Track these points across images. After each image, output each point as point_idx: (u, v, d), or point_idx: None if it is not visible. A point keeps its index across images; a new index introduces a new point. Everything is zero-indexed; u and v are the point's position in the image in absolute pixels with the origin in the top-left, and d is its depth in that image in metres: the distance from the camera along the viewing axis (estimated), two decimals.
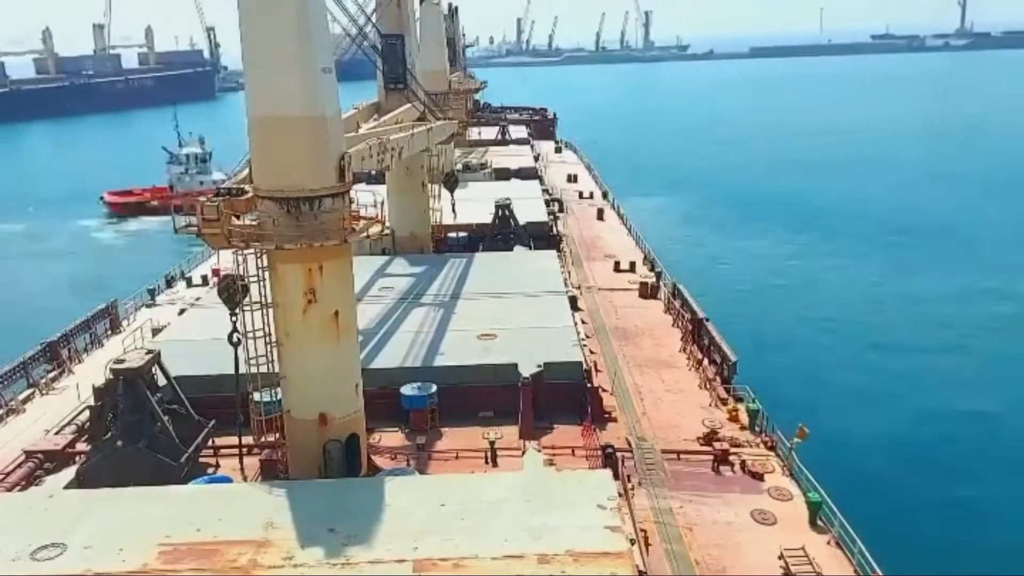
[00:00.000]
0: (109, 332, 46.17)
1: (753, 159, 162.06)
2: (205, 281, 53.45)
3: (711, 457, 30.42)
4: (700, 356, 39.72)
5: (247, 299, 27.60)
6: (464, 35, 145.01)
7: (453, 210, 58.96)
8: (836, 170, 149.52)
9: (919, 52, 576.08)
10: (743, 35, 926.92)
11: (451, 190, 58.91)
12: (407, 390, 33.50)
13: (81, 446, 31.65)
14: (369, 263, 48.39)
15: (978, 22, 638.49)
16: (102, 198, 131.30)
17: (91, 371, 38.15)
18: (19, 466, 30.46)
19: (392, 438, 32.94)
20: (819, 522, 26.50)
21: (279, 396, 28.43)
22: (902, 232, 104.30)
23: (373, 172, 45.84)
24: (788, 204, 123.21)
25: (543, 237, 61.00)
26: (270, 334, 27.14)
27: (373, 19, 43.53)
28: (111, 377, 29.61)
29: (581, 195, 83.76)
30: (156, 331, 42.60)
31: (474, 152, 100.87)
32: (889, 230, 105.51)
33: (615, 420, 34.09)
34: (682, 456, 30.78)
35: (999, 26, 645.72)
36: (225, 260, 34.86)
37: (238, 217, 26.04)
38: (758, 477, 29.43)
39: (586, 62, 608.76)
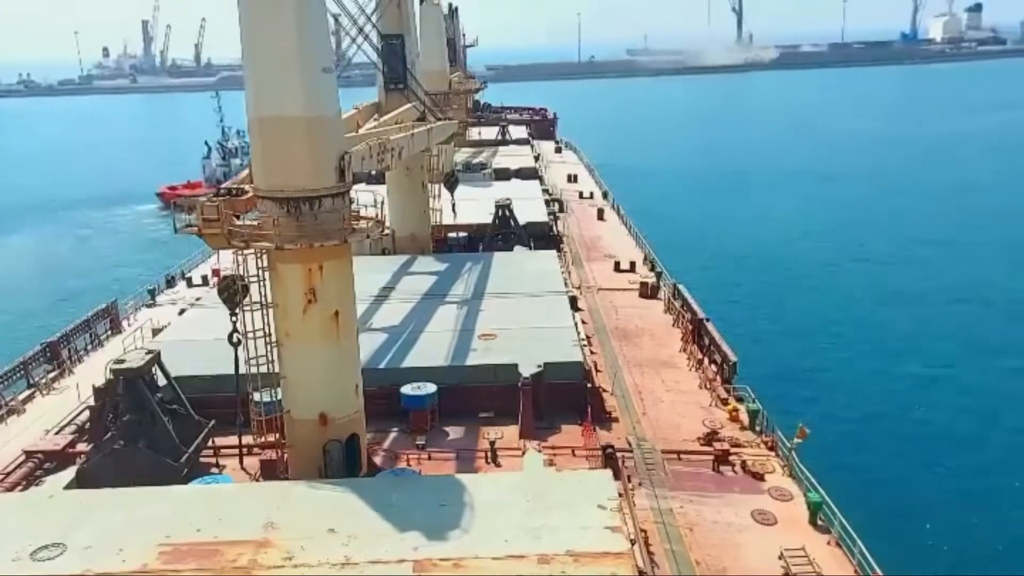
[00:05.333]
0: (109, 332, 46.16)
1: None
2: (205, 281, 53.44)
3: (711, 457, 30.37)
4: (700, 356, 39.70)
5: (247, 299, 27.61)
6: (464, 35, 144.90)
7: (453, 210, 58.98)
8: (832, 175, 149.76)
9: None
10: None
11: (451, 190, 58.91)
12: (407, 390, 33.49)
13: (81, 446, 31.64)
14: (369, 263, 48.37)
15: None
16: (158, 193, 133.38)
17: (91, 371, 38.13)
18: (19, 466, 30.46)
19: (392, 438, 32.91)
20: (819, 522, 26.49)
21: (279, 396, 28.43)
22: (904, 233, 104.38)
23: (373, 172, 45.75)
24: (788, 203, 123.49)
25: (543, 237, 61.00)
26: (270, 334, 27.14)
27: (373, 19, 43.50)
28: (111, 377, 29.62)
29: (581, 195, 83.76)
30: (156, 331, 42.63)
31: (484, 152, 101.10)
32: (890, 231, 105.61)
33: (615, 420, 34.09)
34: (682, 456, 30.75)
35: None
36: (225, 260, 34.84)
37: (238, 217, 26.06)
38: (758, 477, 29.40)
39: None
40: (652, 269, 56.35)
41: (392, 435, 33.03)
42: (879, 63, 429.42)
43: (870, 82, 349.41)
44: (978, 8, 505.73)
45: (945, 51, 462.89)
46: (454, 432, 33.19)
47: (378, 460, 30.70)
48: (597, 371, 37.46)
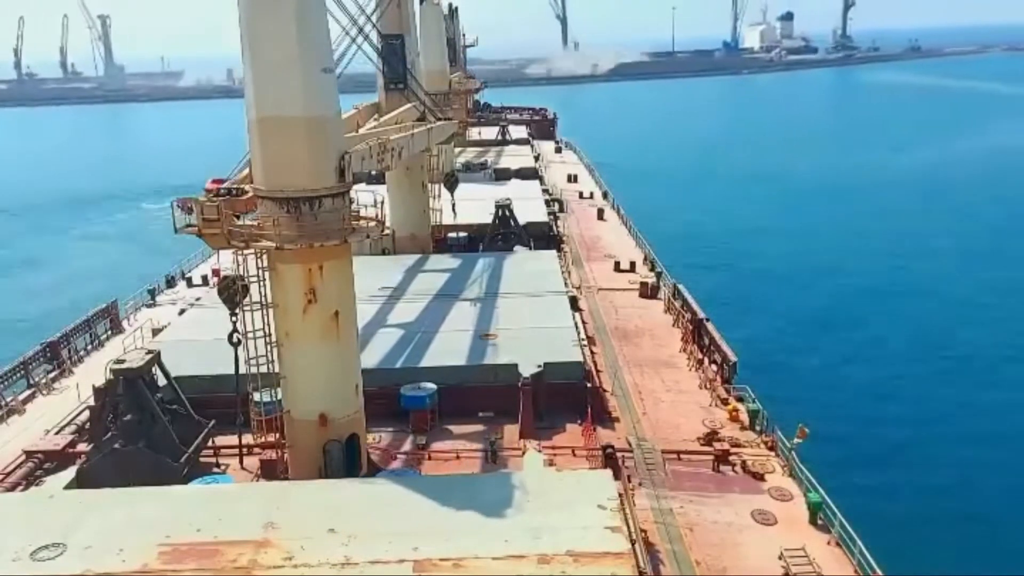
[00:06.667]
0: (109, 332, 46.14)
1: None
2: (205, 281, 53.43)
3: (711, 457, 30.38)
4: (700, 356, 39.70)
5: (247, 299, 27.61)
6: (464, 35, 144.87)
7: (453, 210, 58.96)
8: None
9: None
10: None
11: (451, 190, 58.90)
12: (407, 390, 33.49)
13: (81, 446, 31.63)
14: (369, 263, 48.35)
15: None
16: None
17: (91, 371, 38.12)
18: (19, 466, 30.47)
19: (392, 438, 32.92)
20: (819, 522, 26.49)
21: (279, 396, 28.44)
22: (904, 232, 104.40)
23: (373, 172, 45.76)
24: (788, 203, 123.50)
25: (543, 237, 61.00)
26: (270, 334, 27.16)
27: (373, 19, 43.50)
28: (111, 377, 29.62)
29: (581, 195, 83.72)
30: (156, 331, 42.62)
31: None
32: (889, 230, 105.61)
33: (615, 420, 34.09)
34: (682, 456, 30.75)
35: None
36: (225, 260, 34.85)
37: (238, 217, 26.07)
38: (758, 477, 29.41)
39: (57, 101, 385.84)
40: (652, 269, 56.34)
41: (392, 435, 33.04)
42: (705, 74, 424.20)
43: (694, 93, 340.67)
44: (790, 17, 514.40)
45: (771, 60, 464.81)
46: (454, 432, 33.19)
47: (378, 460, 30.70)
48: (597, 371, 37.46)
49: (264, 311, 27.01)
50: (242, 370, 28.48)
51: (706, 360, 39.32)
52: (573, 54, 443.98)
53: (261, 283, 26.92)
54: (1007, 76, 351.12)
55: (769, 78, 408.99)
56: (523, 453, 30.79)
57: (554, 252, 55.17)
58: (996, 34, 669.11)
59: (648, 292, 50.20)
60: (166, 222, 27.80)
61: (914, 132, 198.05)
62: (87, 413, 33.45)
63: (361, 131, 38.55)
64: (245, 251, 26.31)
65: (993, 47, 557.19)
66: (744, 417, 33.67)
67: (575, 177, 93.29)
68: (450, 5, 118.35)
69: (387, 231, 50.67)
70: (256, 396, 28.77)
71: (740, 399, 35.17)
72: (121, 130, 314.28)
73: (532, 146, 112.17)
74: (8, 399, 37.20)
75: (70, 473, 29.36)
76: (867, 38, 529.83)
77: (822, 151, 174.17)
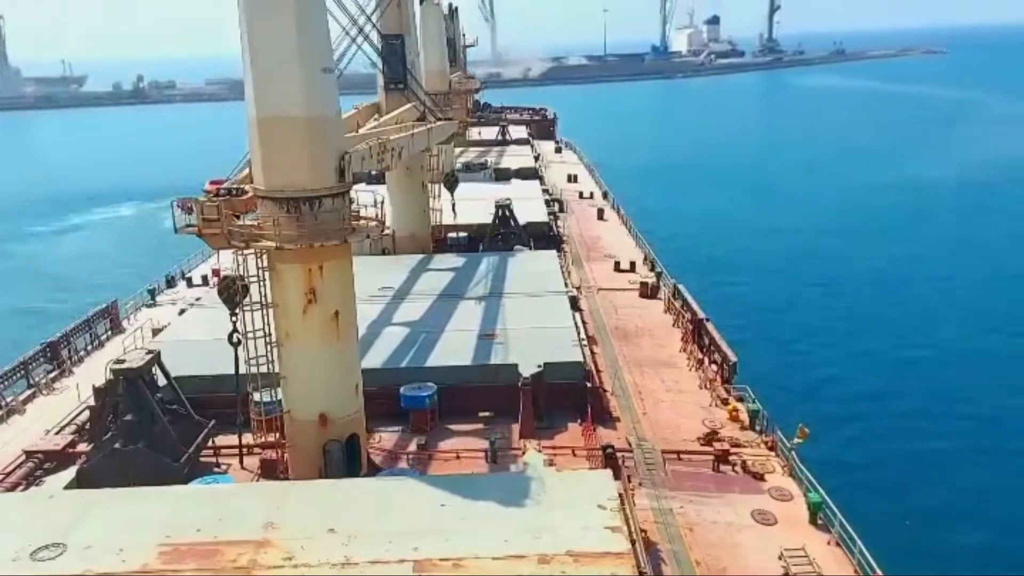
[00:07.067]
0: (109, 332, 46.14)
1: None
2: (205, 281, 53.43)
3: (711, 457, 30.39)
4: (700, 356, 39.70)
5: (247, 299, 27.60)
6: (464, 35, 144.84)
7: (453, 210, 58.95)
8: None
9: None
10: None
11: (451, 190, 58.90)
12: (407, 390, 33.49)
13: (81, 446, 31.64)
14: (369, 263, 48.32)
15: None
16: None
17: (91, 371, 38.13)
18: (19, 466, 30.48)
19: (392, 438, 32.93)
20: (819, 522, 26.49)
21: (279, 396, 28.44)
22: (904, 232, 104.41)
23: (373, 172, 45.77)
24: (787, 202, 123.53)
25: (543, 237, 61.00)
26: (270, 334, 27.16)
27: (373, 19, 43.50)
28: (111, 377, 29.61)
29: (581, 195, 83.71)
30: (156, 331, 42.62)
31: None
32: (889, 231, 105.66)
33: (615, 420, 34.09)
34: (682, 456, 30.75)
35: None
36: (225, 260, 34.84)
37: (238, 217, 26.07)
38: (758, 477, 29.41)
39: None
40: (652, 269, 56.34)
41: (392, 435, 33.04)
42: (638, 78, 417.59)
43: (626, 97, 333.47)
44: (716, 21, 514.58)
45: (703, 64, 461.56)
46: (454, 432, 33.19)
47: (378, 460, 30.71)
48: (598, 371, 37.47)
49: (264, 311, 27.01)
50: (242, 370, 28.47)
51: (706, 360, 39.33)
52: (502, 58, 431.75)
53: (261, 283, 26.92)
54: (925, 78, 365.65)
55: (702, 82, 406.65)
56: (523, 453, 30.79)
57: (554, 252, 55.18)
58: (915, 37, 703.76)
59: (648, 292, 50.21)
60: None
61: (866, 134, 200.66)
62: (87, 413, 33.46)
63: (361, 131, 38.56)
64: (245, 251, 26.31)
65: (913, 49, 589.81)
66: (744, 417, 33.67)
67: (575, 177, 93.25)
68: (450, 5, 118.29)
69: (387, 231, 50.91)
70: (256, 396, 28.76)
71: (740, 399, 35.18)
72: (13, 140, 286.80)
73: (532, 146, 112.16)
74: (8, 399, 37.20)
75: (70, 473, 29.35)
76: (792, 41, 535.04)
77: (819, 158, 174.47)
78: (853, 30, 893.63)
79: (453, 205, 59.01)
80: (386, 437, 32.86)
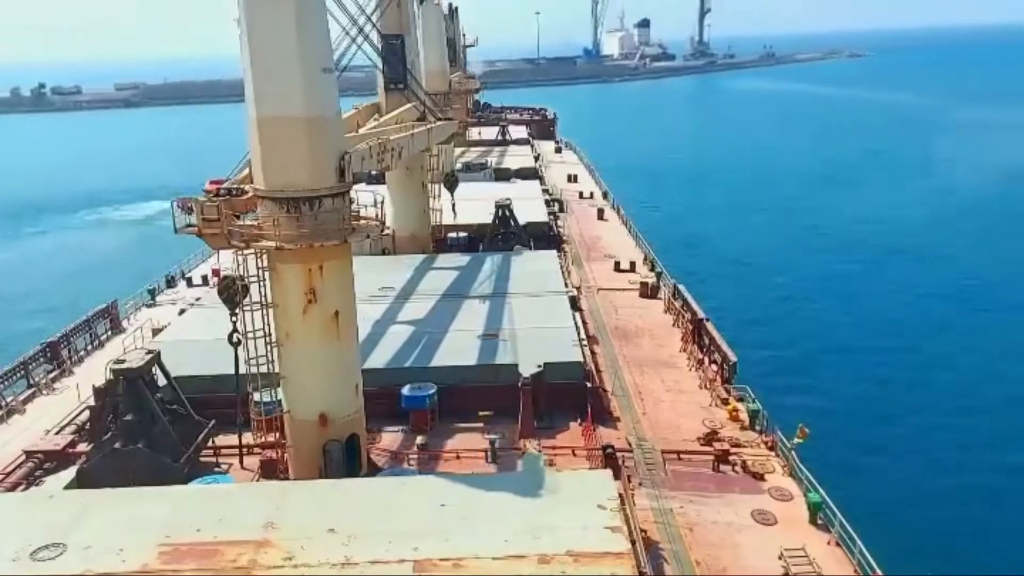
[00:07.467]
0: (109, 332, 46.15)
1: None
2: (205, 281, 53.45)
3: (711, 457, 30.39)
4: (700, 356, 39.70)
5: (247, 299, 27.60)
6: (464, 35, 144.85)
7: (453, 210, 58.95)
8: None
9: None
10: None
11: (451, 190, 58.91)
12: (407, 390, 33.49)
13: (81, 446, 31.65)
14: (369, 263, 48.33)
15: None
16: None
17: (91, 371, 38.15)
18: (19, 466, 30.49)
19: (392, 438, 32.93)
20: (819, 522, 26.49)
21: (279, 396, 28.44)
22: (904, 231, 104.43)
23: (373, 172, 45.78)
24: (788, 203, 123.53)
25: (543, 237, 60.99)
26: (270, 334, 27.15)
27: (373, 19, 43.51)
28: (111, 377, 29.63)
29: (581, 195, 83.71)
30: (156, 331, 42.63)
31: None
32: (890, 231, 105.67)
33: (615, 420, 34.09)
34: (682, 456, 30.76)
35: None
36: (225, 260, 34.87)
37: (238, 217, 26.06)
38: (758, 477, 29.41)
39: None
40: (652, 269, 56.35)
41: (392, 435, 33.04)
42: (572, 82, 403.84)
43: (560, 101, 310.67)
44: (646, 24, 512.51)
45: (637, 67, 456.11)
46: (454, 432, 33.18)
47: (378, 460, 30.71)
48: (598, 371, 37.47)
49: (264, 311, 27.01)
50: (242, 370, 28.47)
51: (706, 360, 39.33)
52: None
53: (261, 283, 26.91)
54: (851, 80, 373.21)
55: (638, 86, 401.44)
56: (523, 453, 30.78)
57: (554, 252, 55.18)
58: (841, 40, 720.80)
59: (648, 292, 50.22)
60: None
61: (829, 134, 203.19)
62: (87, 413, 33.48)
63: (361, 131, 38.56)
64: (245, 251, 26.31)
65: (839, 52, 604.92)
66: (744, 417, 33.68)
67: (575, 177, 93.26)
68: (450, 5, 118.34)
69: (387, 231, 50.90)
70: (256, 396, 28.76)
71: (740, 399, 35.18)
72: None
73: (532, 146, 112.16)
74: (8, 399, 37.22)
75: (70, 473, 29.36)
76: (722, 44, 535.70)
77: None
78: (781, 34, 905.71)
79: (453, 205, 59.01)
80: (386, 437, 32.87)
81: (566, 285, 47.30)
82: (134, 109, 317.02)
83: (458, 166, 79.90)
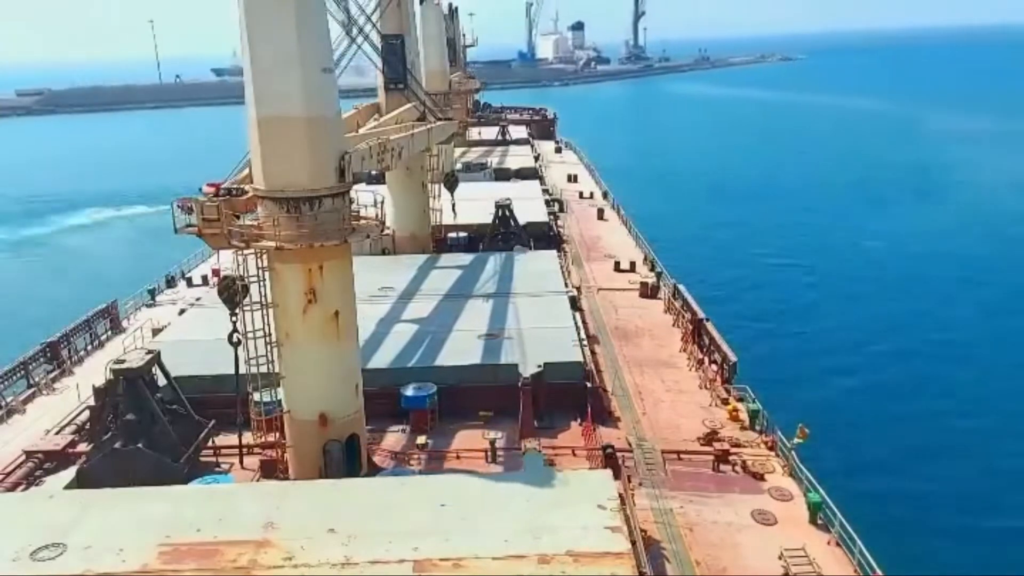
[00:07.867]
0: (109, 332, 46.15)
1: None
2: (205, 281, 53.44)
3: (711, 457, 30.39)
4: (700, 356, 39.70)
5: (247, 299, 27.61)
6: (464, 35, 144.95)
7: (453, 210, 58.96)
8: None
9: None
10: None
11: (451, 190, 58.93)
12: (407, 390, 33.50)
13: (81, 446, 31.64)
14: (369, 263, 48.32)
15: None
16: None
17: (91, 371, 38.15)
18: (19, 466, 30.48)
19: (392, 438, 32.93)
20: (819, 522, 26.49)
21: (279, 396, 28.44)
22: (904, 231, 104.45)
23: (373, 172, 45.78)
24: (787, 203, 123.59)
25: (543, 237, 60.99)
26: (270, 334, 27.15)
27: (373, 19, 43.52)
28: (111, 377, 29.62)
29: (581, 195, 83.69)
30: (156, 331, 42.62)
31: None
32: (891, 231, 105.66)
33: (616, 420, 34.09)
34: (682, 456, 30.76)
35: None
36: (225, 260, 34.87)
37: (238, 217, 26.07)
38: (758, 477, 29.41)
39: None
40: (652, 269, 56.34)
41: (393, 435, 33.04)
42: (508, 86, 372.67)
43: None
44: (580, 27, 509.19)
45: (578, 71, 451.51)
46: (455, 432, 33.18)
47: (378, 460, 30.71)
48: (598, 371, 37.46)
49: (264, 311, 27.01)
50: (242, 370, 28.47)
51: (706, 360, 39.32)
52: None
53: (261, 283, 26.92)
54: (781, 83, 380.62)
55: (578, 90, 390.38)
56: (523, 453, 30.78)
57: (554, 252, 55.17)
58: (771, 45, 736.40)
59: (648, 292, 50.22)
60: None
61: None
62: (87, 413, 33.49)
63: (361, 131, 38.58)
64: (245, 251, 26.31)
65: (770, 56, 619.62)
66: (744, 417, 33.68)
67: (575, 177, 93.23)
68: (450, 5, 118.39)
69: (387, 231, 50.89)
70: (256, 396, 28.76)
71: (740, 399, 35.18)
72: None
73: (532, 146, 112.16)
74: (8, 399, 37.22)
75: (70, 473, 29.36)
76: (657, 48, 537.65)
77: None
78: (713, 37, 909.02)
79: (453, 205, 59.01)
80: (386, 437, 32.86)
81: (566, 285, 47.28)
82: (36, 117, 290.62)
83: (458, 166, 79.91)
